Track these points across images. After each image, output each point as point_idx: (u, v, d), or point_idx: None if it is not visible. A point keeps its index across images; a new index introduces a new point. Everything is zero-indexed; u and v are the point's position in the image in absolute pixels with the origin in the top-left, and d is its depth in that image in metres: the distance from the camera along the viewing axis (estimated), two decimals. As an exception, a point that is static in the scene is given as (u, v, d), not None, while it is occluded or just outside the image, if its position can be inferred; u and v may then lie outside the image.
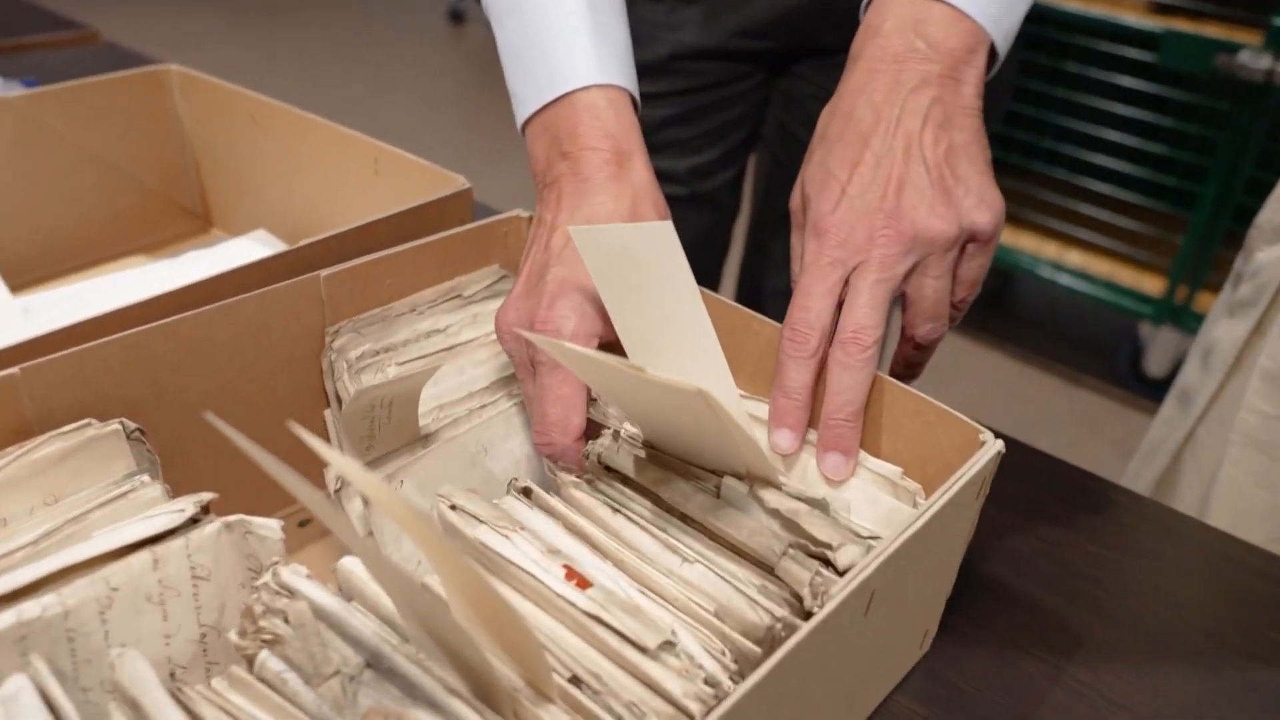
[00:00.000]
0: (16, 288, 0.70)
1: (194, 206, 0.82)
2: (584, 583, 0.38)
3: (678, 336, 0.45)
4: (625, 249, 0.43)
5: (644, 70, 0.84)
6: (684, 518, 0.44)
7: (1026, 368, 2.04)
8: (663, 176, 0.89)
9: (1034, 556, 0.57)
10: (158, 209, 0.80)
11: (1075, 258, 1.90)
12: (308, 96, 3.09)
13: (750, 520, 0.42)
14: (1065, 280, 1.89)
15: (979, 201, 0.47)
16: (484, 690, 0.34)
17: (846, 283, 0.46)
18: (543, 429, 0.46)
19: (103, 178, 0.77)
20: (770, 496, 0.42)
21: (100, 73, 0.76)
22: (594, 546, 0.42)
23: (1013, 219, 1.97)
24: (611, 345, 0.47)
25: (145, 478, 0.43)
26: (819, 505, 0.43)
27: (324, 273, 0.51)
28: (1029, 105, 1.84)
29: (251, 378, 0.50)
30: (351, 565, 0.38)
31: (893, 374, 0.49)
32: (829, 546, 0.40)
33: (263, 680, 0.35)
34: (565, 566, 0.38)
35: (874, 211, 0.46)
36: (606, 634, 0.37)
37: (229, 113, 0.76)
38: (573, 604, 0.37)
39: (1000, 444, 0.43)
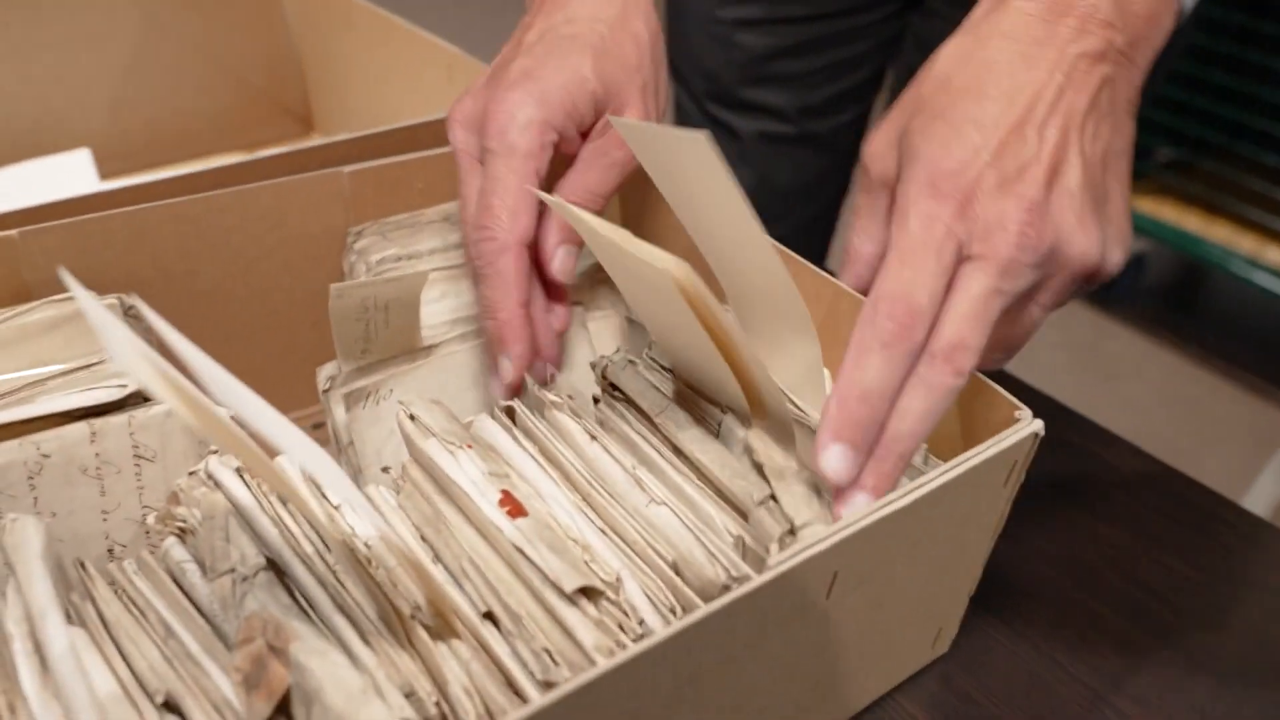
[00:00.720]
0: (111, 174, 0.72)
1: (297, 108, 0.83)
2: (518, 511, 0.35)
3: (748, 270, 0.38)
4: (664, 154, 0.36)
5: None
6: (676, 450, 0.39)
7: (1206, 373, 1.85)
8: (767, 111, 0.83)
9: (1101, 566, 0.50)
10: (261, 110, 0.81)
11: (1275, 255, 1.69)
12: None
13: (737, 462, 0.38)
14: (1261, 279, 1.69)
15: (1118, 231, 0.38)
16: (384, 612, 0.32)
17: (960, 264, 0.36)
18: (484, 220, 0.40)
19: (212, 77, 0.78)
20: (760, 446, 0.38)
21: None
22: (565, 476, 0.38)
23: (1206, 205, 1.77)
24: (568, 157, 0.44)
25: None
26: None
27: (348, 169, 0.50)
28: (1248, 79, 1.63)
29: (264, 272, 0.49)
30: (285, 466, 0.36)
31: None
32: (790, 525, 0.35)
33: (166, 568, 0.33)
34: (503, 491, 0.35)
35: (1019, 195, 0.35)
36: (529, 569, 0.33)
37: (330, 16, 0.76)
38: (500, 531, 0.34)
39: (1038, 425, 0.37)
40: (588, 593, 0.33)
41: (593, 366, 0.43)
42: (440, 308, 0.50)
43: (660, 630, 0.28)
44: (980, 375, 0.38)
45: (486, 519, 0.34)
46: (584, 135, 0.44)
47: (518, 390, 0.43)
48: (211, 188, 0.46)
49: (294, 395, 0.51)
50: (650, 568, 0.35)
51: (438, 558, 0.35)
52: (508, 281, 0.41)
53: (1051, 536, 0.51)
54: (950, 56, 0.40)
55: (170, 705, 0.29)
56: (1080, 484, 0.55)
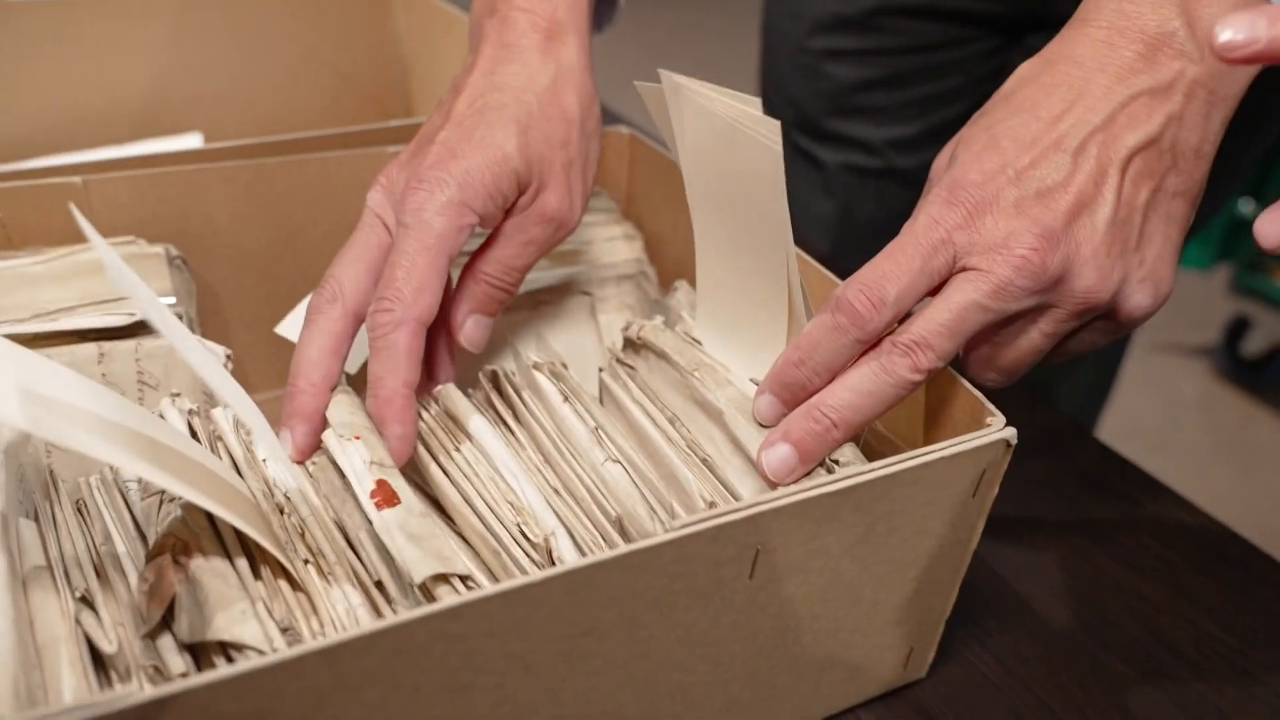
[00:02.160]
0: (223, 157, 0.78)
1: (398, 112, 0.88)
2: (390, 500, 0.34)
3: (755, 272, 0.38)
4: (723, 136, 0.35)
5: (842, 23, 0.77)
6: (707, 410, 0.39)
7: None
8: (853, 143, 0.82)
9: (1120, 616, 0.47)
10: (366, 111, 0.86)
11: None
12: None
13: (739, 431, 0.37)
14: None
15: (1147, 277, 0.37)
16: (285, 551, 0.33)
17: (951, 276, 0.36)
18: (386, 293, 0.38)
19: (320, 76, 0.84)
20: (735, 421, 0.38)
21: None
22: (533, 436, 0.39)
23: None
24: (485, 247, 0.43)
25: (172, 299, 0.46)
26: None
27: (392, 148, 0.52)
28: None
29: (308, 240, 0.52)
30: (221, 415, 0.37)
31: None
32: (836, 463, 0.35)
33: (115, 484, 0.36)
34: (378, 481, 0.35)
35: (1034, 218, 0.35)
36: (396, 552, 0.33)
37: (433, 25, 0.80)
38: (369, 520, 0.34)
39: (1009, 433, 0.35)
40: (443, 580, 0.32)
41: (626, 326, 0.43)
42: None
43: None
44: (963, 382, 0.37)
45: (358, 505, 0.35)
46: (507, 212, 0.42)
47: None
48: (265, 155, 0.50)
49: (266, 367, 0.53)
50: (593, 522, 0.35)
51: (343, 530, 0.35)
52: (397, 358, 0.38)
53: (1072, 578, 0.48)
54: (1019, 75, 0.39)
55: (86, 599, 0.31)
56: (1116, 531, 0.51)
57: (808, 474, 0.36)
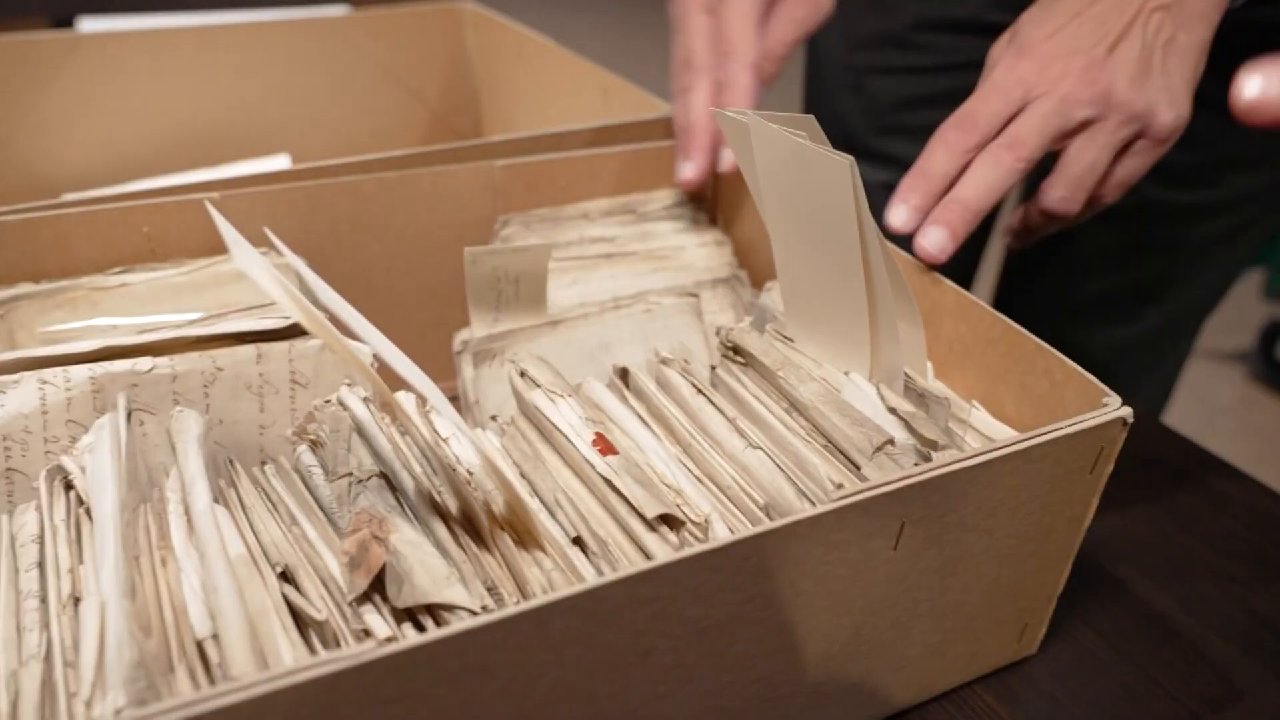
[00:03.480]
0: (306, 177, 0.81)
1: (468, 131, 0.91)
2: (609, 449, 0.38)
3: (834, 273, 0.42)
4: (794, 155, 0.39)
5: (883, 40, 0.79)
6: (793, 406, 0.42)
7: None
8: (895, 163, 0.83)
9: (1216, 595, 0.48)
10: (437, 130, 0.90)
11: None
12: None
13: (859, 414, 0.39)
14: None
15: (1170, 99, 0.47)
16: (478, 528, 0.36)
17: (1027, 105, 0.47)
18: (723, 46, 0.52)
19: (394, 96, 0.87)
20: (890, 394, 0.40)
21: (412, 4, 0.86)
22: (668, 428, 0.41)
23: None
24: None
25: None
26: (940, 406, 0.41)
27: (499, 162, 0.55)
28: None
29: (422, 249, 0.55)
30: (404, 400, 0.41)
31: (1007, 231, 0.53)
32: (934, 444, 0.37)
33: (296, 470, 0.38)
34: (597, 433, 0.38)
35: (1080, 53, 0.47)
36: (617, 501, 0.36)
37: (505, 47, 0.83)
38: (592, 467, 0.37)
39: (1126, 412, 0.37)
40: (669, 521, 0.35)
41: (717, 332, 0.45)
42: (571, 293, 0.54)
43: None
44: (1076, 368, 0.39)
45: (580, 456, 0.38)
46: None
47: (692, 186, 0.56)
48: (381, 170, 0.53)
49: (440, 366, 0.56)
50: (740, 509, 0.37)
51: (534, 491, 0.39)
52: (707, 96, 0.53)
53: (1164, 561, 0.50)
54: None
55: (286, 575, 0.33)
56: (1201, 515, 0.53)
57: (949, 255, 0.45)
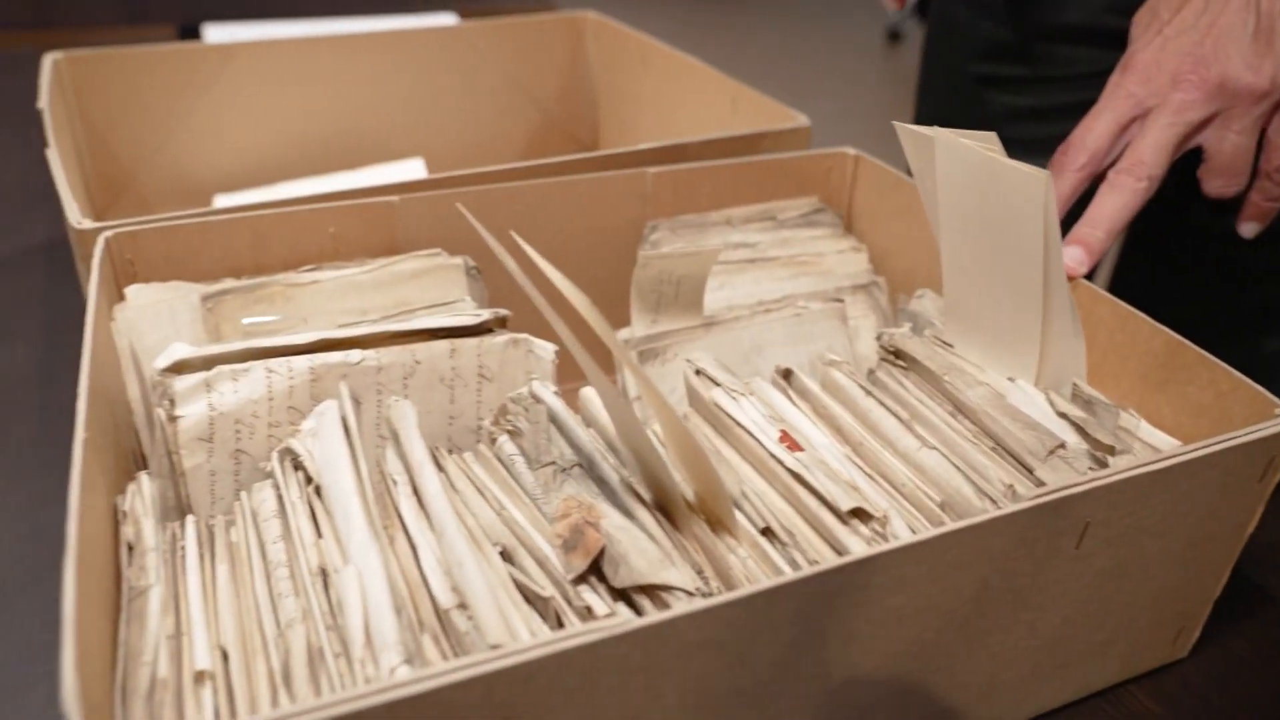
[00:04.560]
0: (435, 180, 0.84)
1: (584, 137, 0.94)
2: (796, 446, 0.40)
3: (1010, 282, 0.43)
4: (982, 169, 0.41)
5: (1001, 49, 0.79)
6: (957, 409, 0.43)
7: None
8: None
9: (1363, 607, 0.49)
10: (556, 134, 0.93)
11: None
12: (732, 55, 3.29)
13: (1028, 418, 0.41)
14: None
15: None
16: (675, 516, 0.38)
17: (1140, 117, 0.48)
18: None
19: (517, 102, 0.90)
20: (1059, 400, 0.42)
21: (537, 14, 0.89)
22: (836, 427, 0.43)
23: None
24: None
25: (472, 302, 0.52)
26: (1109, 412, 0.42)
27: (651, 170, 0.57)
28: None
29: (577, 250, 0.58)
30: (589, 394, 0.43)
31: (1244, 221, 0.53)
32: (1110, 449, 0.39)
33: (498, 458, 0.41)
34: (782, 430, 0.41)
35: (1184, 55, 0.47)
36: (806, 495, 0.38)
37: (627, 55, 0.86)
38: (780, 462, 0.39)
39: (1299, 423, 0.38)
40: (859, 515, 0.37)
41: (879, 337, 0.47)
42: (718, 296, 0.56)
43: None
44: (1244, 378, 0.40)
45: (767, 452, 0.40)
46: None
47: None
48: (543, 176, 0.55)
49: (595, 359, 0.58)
50: (917, 508, 0.39)
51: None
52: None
53: (1307, 572, 0.51)
54: None
55: (505, 555, 0.36)
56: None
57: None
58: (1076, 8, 0.73)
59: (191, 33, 1.23)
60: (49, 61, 0.69)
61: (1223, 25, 0.47)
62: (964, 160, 0.41)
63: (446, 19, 1.38)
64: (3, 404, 0.59)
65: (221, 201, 0.78)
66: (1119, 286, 0.87)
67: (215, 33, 1.24)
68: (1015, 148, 0.80)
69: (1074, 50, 0.76)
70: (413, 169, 0.81)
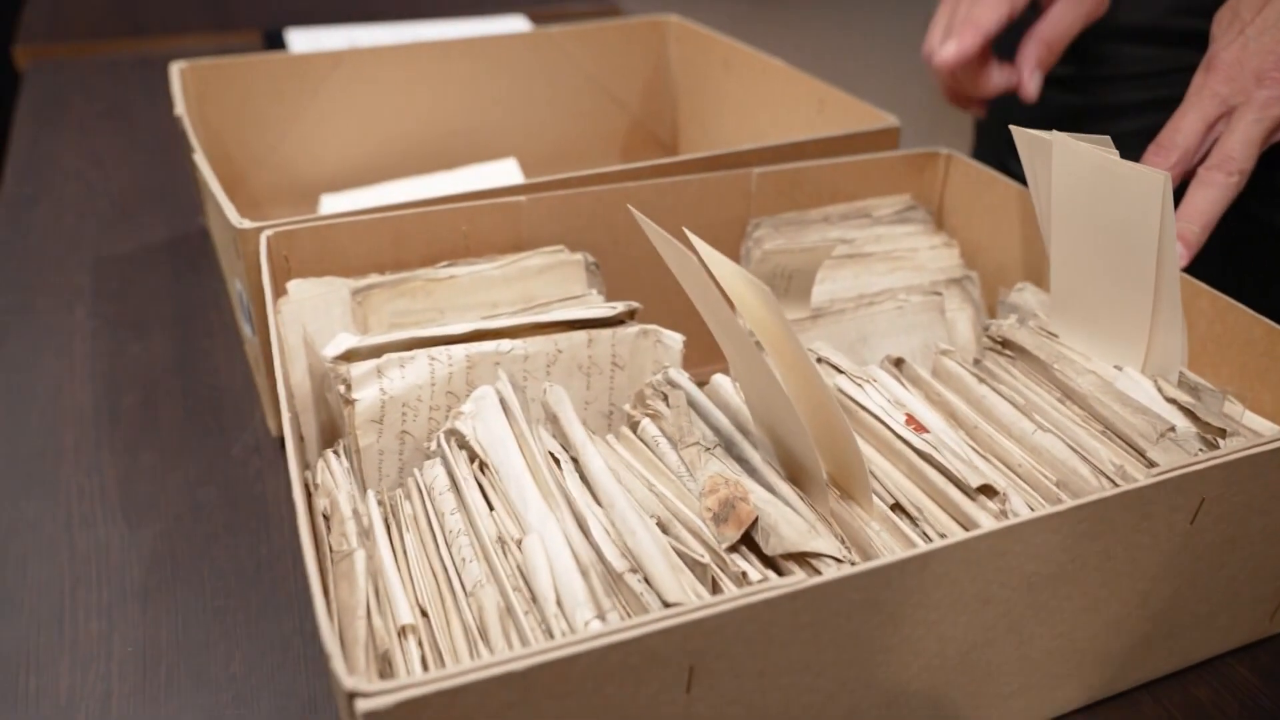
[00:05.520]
0: (530, 177, 0.88)
1: (665, 137, 0.97)
2: (921, 429, 0.43)
3: (1120, 277, 0.46)
4: (1100, 170, 0.44)
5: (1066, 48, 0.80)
6: (1067, 395, 0.46)
7: None
8: None
9: None
10: (638, 135, 0.96)
11: None
12: (805, 50, 3.31)
13: (1138, 403, 0.44)
14: None
15: None
16: (811, 492, 0.41)
17: (1226, 115, 0.51)
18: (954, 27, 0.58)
19: (601, 104, 0.93)
20: (1168, 386, 0.44)
21: (622, 19, 0.92)
22: (949, 413, 0.46)
23: None
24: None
25: (594, 294, 0.55)
26: (1215, 397, 0.45)
27: (756, 170, 0.60)
28: None
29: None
30: (721, 381, 0.46)
31: None
32: (1221, 432, 0.41)
33: (642, 440, 0.44)
34: (907, 414, 0.44)
35: (1267, 53, 0.49)
36: (934, 474, 0.41)
37: (709, 58, 0.89)
38: (908, 444, 0.42)
39: (1403, 408, 0.40)
40: (986, 492, 0.40)
41: (986, 328, 0.50)
42: (821, 289, 0.59)
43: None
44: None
45: (895, 434, 0.43)
46: None
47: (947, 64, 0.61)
48: (656, 177, 0.59)
49: (703, 351, 0.61)
50: (1035, 487, 0.42)
51: None
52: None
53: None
54: None
55: (661, 526, 0.39)
56: None
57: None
58: (1136, 8, 0.74)
59: (275, 38, 1.28)
60: (176, 71, 0.74)
61: None
62: (1081, 161, 0.43)
63: (518, 22, 1.41)
64: (151, 391, 0.63)
65: (328, 201, 0.82)
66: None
67: (298, 37, 1.28)
68: None
69: (1136, 49, 0.77)
70: (507, 169, 0.85)
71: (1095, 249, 0.45)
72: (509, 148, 0.90)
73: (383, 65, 0.84)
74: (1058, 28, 0.62)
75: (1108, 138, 0.43)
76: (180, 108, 0.68)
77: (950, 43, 0.59)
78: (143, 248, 0.80)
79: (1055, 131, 0.44)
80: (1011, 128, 0.48)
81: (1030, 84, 0.62)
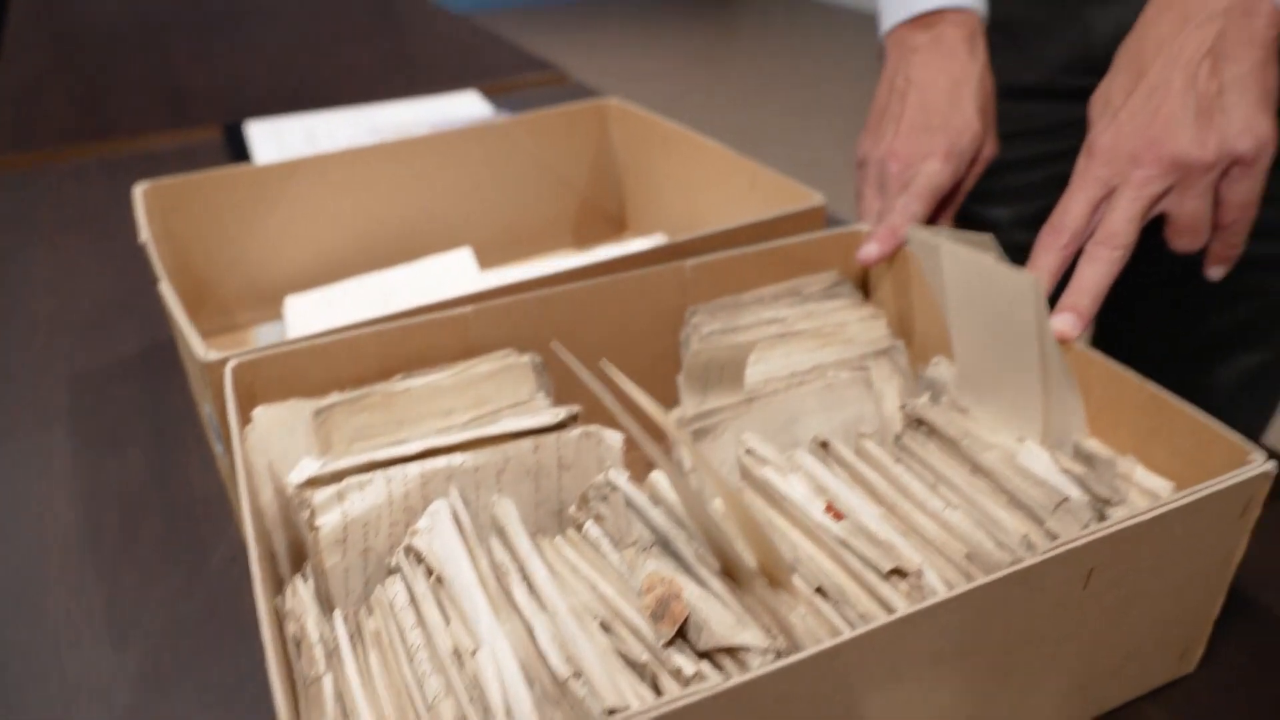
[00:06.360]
0: (486, 265, 0.92)
1: (614, 213, 1.01)
2: (839, 516, 0.47)
3: (1011, 356, 0.51)
4: (982, 271, 0.49)
5: None
6: (974, 469, 0.50)
7: None
8: (983, 224, 0.91)
9: (1351, 614, 0.55)
10: (587, 213, 1.00)
11: None
12: (734, 124, 3.40)
13: (1037, 475, 0.48)
14: None
15: (1243, 129, 0.53)
16: (742, 582, 0.45)
17: (1108, 195, 0.55)
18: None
19: (550, 186, 0.98)
20: (1062, 458, 0.48)
21: (564, 104, 0.97)
22: (871, 491, 0.50)
23: None
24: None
25: (542, 395, 0.59)
26: (1106, 466, 0.48)
27: (689, 263, 0.65)
28: None
29: (627, 339, 0.65)
30: (658, 478, 0.50)
31: (1210, 265, 0.60)
32: (1107, 502, 0.45)
33: (586, 541, 0.48)
34: (827, 502, 0.47)
35: (1138, 137, 0.54)
36: (850, 557, 0.45)
37: (649, 137, 0.94)
38: (827, 531, 0.46)
39: (1270, 465, 0.45)
40: (898, 573, 0.44)
41: (902, 406, 0.54)
42: (757, 370, 0.63)
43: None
44: (1220, 428, 0.47)
45: (815, 521, 0.47)
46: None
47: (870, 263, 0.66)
48: (595, 276, 0.63)
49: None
50: (948, 560, 0.46)
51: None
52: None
53: (1301, 586, 0.57)
54: (1121, 45, 0.59)
55: (604, 627, 0.43)
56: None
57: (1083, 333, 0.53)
58: (1029, 69, 0.81)
59: (235, 130, 1.33)
60: (139, 193, 0.77)
61: (1168, 109, 0.54)
62: (964, 264, 0.48)
63: (471, 97, 1.46)
64: (131, 508, 0.66)
65: (292, 302, 0.86)
66: (1102, 339, 0.95)
67: (258, 129, 1.33)
68: (991, 200, 0.89)
69: (1032, 106, 0.83)
70: (462, 258, 0.89)
71: (987, 335, 0.50)
72: (465, 235, 0.94)
73: (338, 168, 0.88)
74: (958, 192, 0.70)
75: (989, 236, 0.48)
76: (144, 234, 0.71)
77: (871, 245, 0.64)
78: (117, 360, 0.83)
79: (943, 231, 0.48)
80: (909, 231, 0.53)
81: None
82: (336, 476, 0.48)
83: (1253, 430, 0.94)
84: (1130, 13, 0.63)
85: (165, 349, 0.85)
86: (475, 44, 1.75)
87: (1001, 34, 0.81)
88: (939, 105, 0.67)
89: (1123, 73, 0.57)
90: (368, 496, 0.48)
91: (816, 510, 0.47)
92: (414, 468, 0.49)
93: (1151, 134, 0.54)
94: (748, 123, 3.48)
